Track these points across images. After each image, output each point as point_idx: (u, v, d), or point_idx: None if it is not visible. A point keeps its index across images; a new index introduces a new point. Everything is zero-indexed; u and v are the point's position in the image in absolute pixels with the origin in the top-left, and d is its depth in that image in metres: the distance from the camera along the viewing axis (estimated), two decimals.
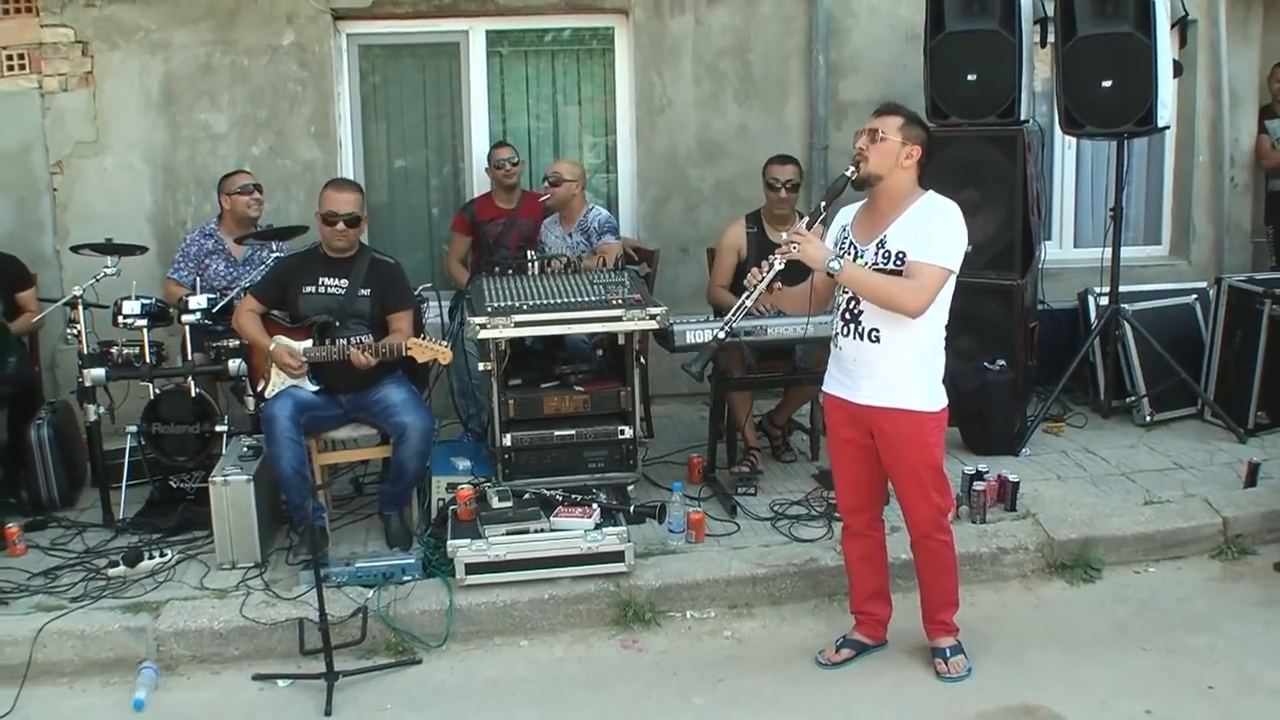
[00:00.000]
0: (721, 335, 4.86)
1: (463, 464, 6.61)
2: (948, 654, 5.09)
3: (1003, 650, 5.27)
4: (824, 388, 5.06)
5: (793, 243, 4.64)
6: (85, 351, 6.54)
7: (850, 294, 4.78)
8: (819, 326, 5.41)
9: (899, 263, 4.64)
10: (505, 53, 8.78)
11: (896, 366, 4.73)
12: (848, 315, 4.81)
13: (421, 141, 8.87)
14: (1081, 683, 4.98)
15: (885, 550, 5.28)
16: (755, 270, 4.77)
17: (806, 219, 4.75)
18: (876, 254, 4.69)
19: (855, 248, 4.76)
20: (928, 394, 4.78)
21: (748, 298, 4.77)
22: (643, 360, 6.70)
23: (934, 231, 4.63)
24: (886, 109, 4.80)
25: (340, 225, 6.11)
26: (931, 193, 4.77)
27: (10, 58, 8.03)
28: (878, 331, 4.71)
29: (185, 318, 6.57)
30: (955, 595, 5.15)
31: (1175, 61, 7.30)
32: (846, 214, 4.94)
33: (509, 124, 8.81)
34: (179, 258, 7.32)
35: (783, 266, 4.71)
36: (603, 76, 8.86)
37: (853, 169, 4.67)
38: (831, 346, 4.98)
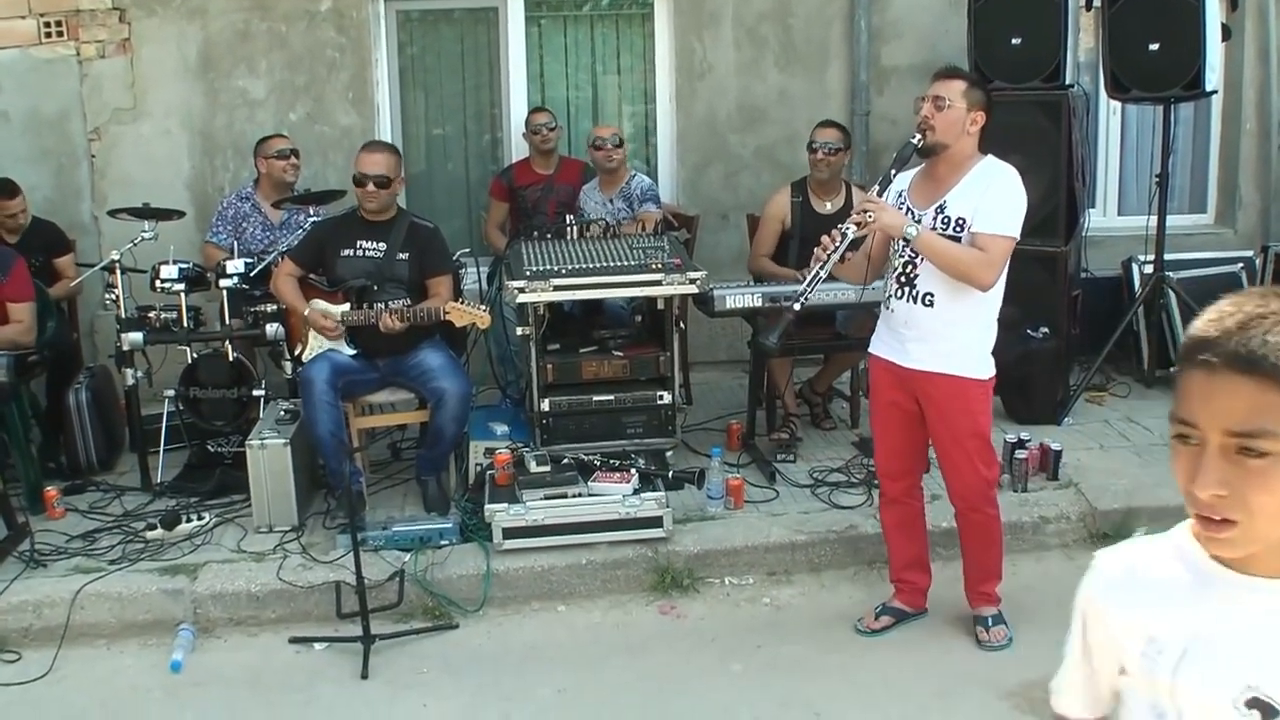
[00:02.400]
0: (797, 306, 4.77)
1: (500, 429, 6.59)
2: (989, 623, 5.05)
3: (1045, 620, 5.17)
4: (871, 349, 5.00)
5: (866, 210, 4.58)
6: (123, 316, 6.56)
7: (906, 258, 4.72)
8: (864, 293, 5.35)
9: (958, 229, 4.58)
10: (544, 20, 8.72)
11: (947, 331, 4.67)
12: (903, 278, 4.75)
13: (460, 109, 8.83)
14: None
15: (924, 519, 5.23)
16: (826, 239, 4.68)
17: (877, 185, 4.69)
18: (935, 219, 4.64)
19: (913, 213, 4.70)
20: (977, 361, 4.72)
21: (821, 268, 4.68)
22: (682, 325, 6.65)
23: (998, 199, 4.57)
24: (948, 73, 4.71)
25: (370, 186, 6.07)
26: (990, 157, 4.70)
27: (48, 24, 8.01)
28: (932, 296, 4.65)
29: (223, 282, 6.57)
30: (999, 567, 5.10)
31: (1223, 25, 7.17)
32: (903, 179, 4.85)
33: (548, 92, 8.76)
34: (216, 221, 7.32)
35: (854, 235, 4.64)
36: (642, 43, 8.78)
37: (919, 136, 4.60)
38: (882, 308, 4.92)
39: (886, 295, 4.89)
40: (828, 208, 6.89)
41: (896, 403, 4.90)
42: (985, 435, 4.85)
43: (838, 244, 4.65)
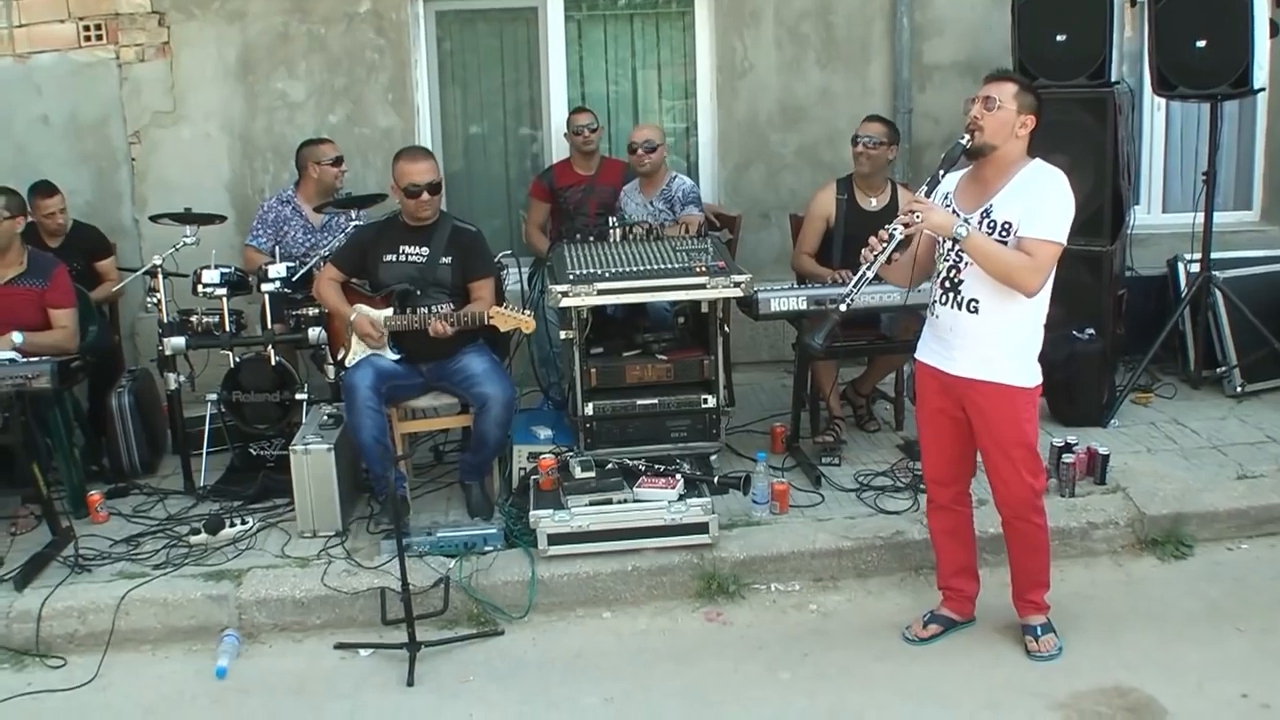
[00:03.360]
0: (844, 308, 4.71)
1: (544, 433, 6.57)
2: (1038, 632, 4.99)
3: (1094, 629, 5.17)
4: (917, 355, 4.96)
5: (914, 211, 4.53)
6: (165, 320, 6.59)
7: (951, 262, 4.67)
8: (909, 295, 5.30)
9: (1004, 233, 4.53)
10: (582, 17, 8.69)
11: (993, 338, 4.63)
12: (947, 284, 4.71)
13: (499, 108, 8.81)
14: (1175, 664, 4.87)
15: (972, 526, 5.18)
16: (874, 240, 4.63)
17: (924, 186, 4.65)
18: (982, 223, 4.58)
19: (959, 215, 4.64)
20: (1023, 369, 4.68)
21: (869, 269, 4.63)
22: (726, 328, 6.61)
23: (1046, 204, 4.52)
24: (1000, 75, 4.67)
25: (425, 195, 6.08)
26: (1039, 161, 4.65)
27: (88, 28, 8.06)
28: (977, 302, 4.61)
29: (265, 286, 6.59)
30: (1046, 575, 5.05)
31: (1271, 21, 7.08)
32: (950, 181, 4.80)
33: (587, 89, 8.74)
34: (257, 225, 7.33)
35: (903, 236, 4.59)
36: (681, 40, 8.75)
37: (967, 137, 4.55)
38: (928, 314, 4.88)
39: (932, 301, 4.85)
40: (873, 204, 6.85)
41: (944, 410, 4.86)
42: (1032, 444, 4.79)
43: (885, 245, 4.60)
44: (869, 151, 6.81)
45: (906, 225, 4.55)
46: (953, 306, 4.70)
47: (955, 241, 4.56)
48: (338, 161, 7.35)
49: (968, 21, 8.46)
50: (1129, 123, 7.44)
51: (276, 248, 7.07)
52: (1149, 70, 7.27)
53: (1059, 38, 7.12)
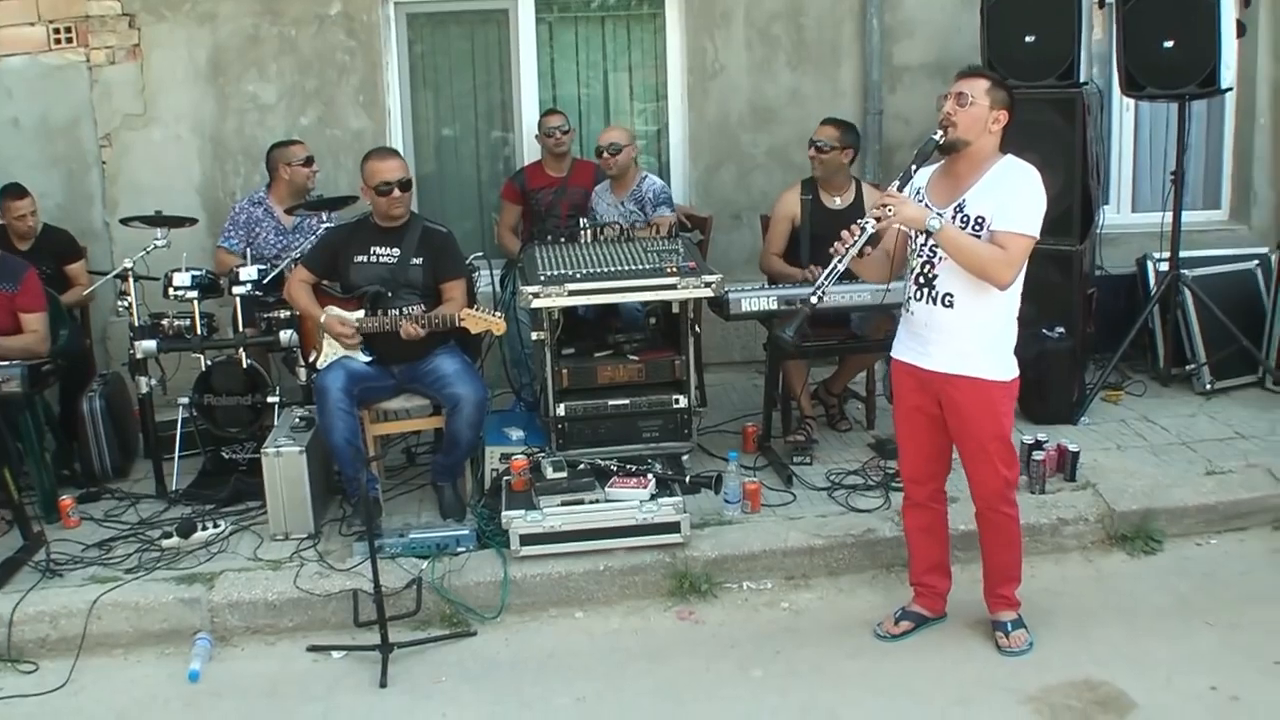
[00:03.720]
0: (815, 300, 4.72)
1: (516, 434, 6.57)
2: (1009, 628, 5.02)
3: (1064, 624, 5.20)
4: (893, 353, 4.98)
5: (886, 205, 4.55)
6: (136, 323, 6.55)
7: (925, 258, 4.70)
8: (878, 294, 5.33)
9: (977, 228, 4.56)
10: (554, 19, 8.69)
11: (969, 333, 4.66)
12: (922, 279, 4.74)
13: (470, 110, 8.80)
14: (1145, 658, 4.90)
15: (946, 523, 5.21)
16: (846, 234, 4.64)
17: (897, 181, 4.67)
18: (955, 218, 4.61)
19: (932, 210, 4.66)
20: (998, 363, 4.71)
21: (839, 261, 4.64)
22: (697, 328, 6.62)
23: (1018, 199, 4.55)
24: (972, 71, 4.70)
25: (396, 193, 6.10)
26: (1010, 156, 4.68)
27: (58, 31, 8.02)
28: (952, 297, 4.64)
29: (236, 289, 6.57)
30: (1018, 570, 5.08)
31: (1238, 21, 7.13)
32: (922, 176, 4.82)
33: (558, 91, 8.73)
34: (229, 226, 7.31)
35: (874, 230, 4.61)
36: (652, 42, 8.76)
37: (940, 133, 4.58)
38: (903, 311, 4.90)
39: (906, 298, 4.87)
40: (837, 203, 6.89)
41: (920, 407, 4.89)
42: (1006, 437, 4.83)
43: (857, 238, 4.62)
44: (820, 156, 6.86)
45: (879, 219, 4.58)
46: (928, 302, 4.72)
47: (928, 235, 4.59)
48: (309, 162, 7.33)
49: (937, 23, 8.49)
50: (1098, 123, 7.49)
51: (248, 250, 7.04)
52: (1117, 70, 7.32)
53: (1028, 39, 7.15)
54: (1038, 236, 4.59)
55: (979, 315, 4.65)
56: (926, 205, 4.70)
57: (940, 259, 4.65)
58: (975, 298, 4.61)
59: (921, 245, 4.73)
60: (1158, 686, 4.70)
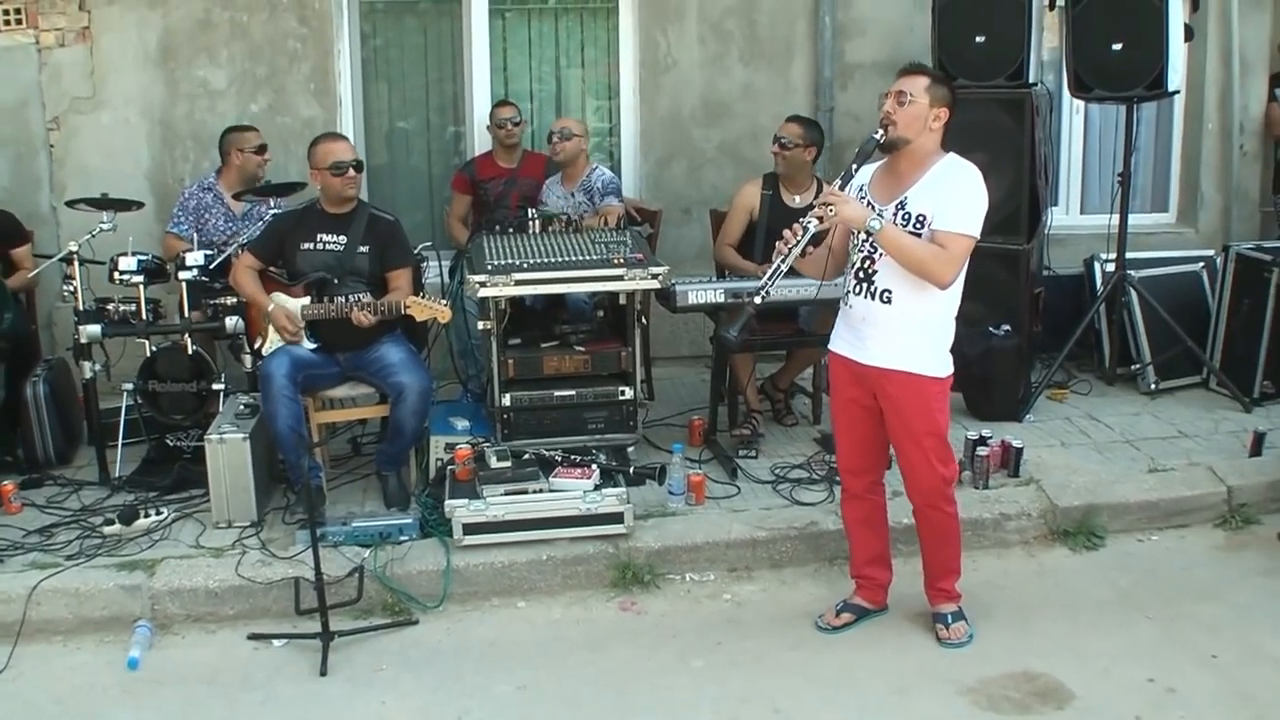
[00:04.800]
0: (758, 300, 4.74)
1: (461, 424, 6.55)
2: (949, 620, 5.05)
3: (1005, 617, 5.24)
4: (830, 346, 5.00)
5: (828, 204, 4.57)
6: (81, 308, 6.48)
7: (865, 253, 4.71)
8: (825, 289, 5.35)
9: (918, 226, 4.58)
10: (508, 12, 8.69)
11: (905, 328, 4.67)
12: (861, 274, 4.75)
13: (422, 102, 8.80)
14: (1084, 650, 4.94)
15: (885, 515, 5.23)
16: (788, 233, 4.67)
17: (839, 180, 4.69)
18: (896, 215, 4.62)
19: (874, 208, 4.68)
20: (934, 359, 4.73)
21: (783, 262, 4.66)
22: (644, 321, 6.63)
23: (959, 198, 4.57)
24: (912, 69, 4.72)
25: (350, 172, 6.09)
26: (953, 155, 4.69)
27: (7, 12, 7.92)
28: (890, 293, 4.66)
29: (182, 274, 6.51)
30: (957, 563, 5.11)
31: (1186, 26, 7.20)
32: (865, 174, 4.85)
33: (511, 85, 8.73)
34: (178, 211, 7.25)
35: (816, 229, 4.63)
36: (606, 38, 8.77)
37: (880, 132, 4.60)
38: (841, 305, 4.92)
39: (845, 292, 4.89)
40: (797, 201, 6.90)
41: (856, 399, 4.90)
42: (942, 433, 4.85)
43: (799, 238, 4.64)
44: (784, 153, 6.88)
45: (820, 219, 4.60)
46: (866, 297, 4.73)
47: (869, 234, 4.60)
48: (261, 150, 7.28)
49: (889, 22, 8.55)
50: (1047, 124, 7.54)
51: (196, 235, 7.00)
52: (1066, 72, 7.38)
53: (978, 39, 7.20)
54: (978, 236, 4.60)
55: (917, 312, 4.66)
56: (869, 203, 4.72)
57: (880, 255, 4.66)
58: (913, 294, 4.63)
59: (863, 241, 4.74)
60: (1096, 678, 4.74)
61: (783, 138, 6.88)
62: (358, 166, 6.14)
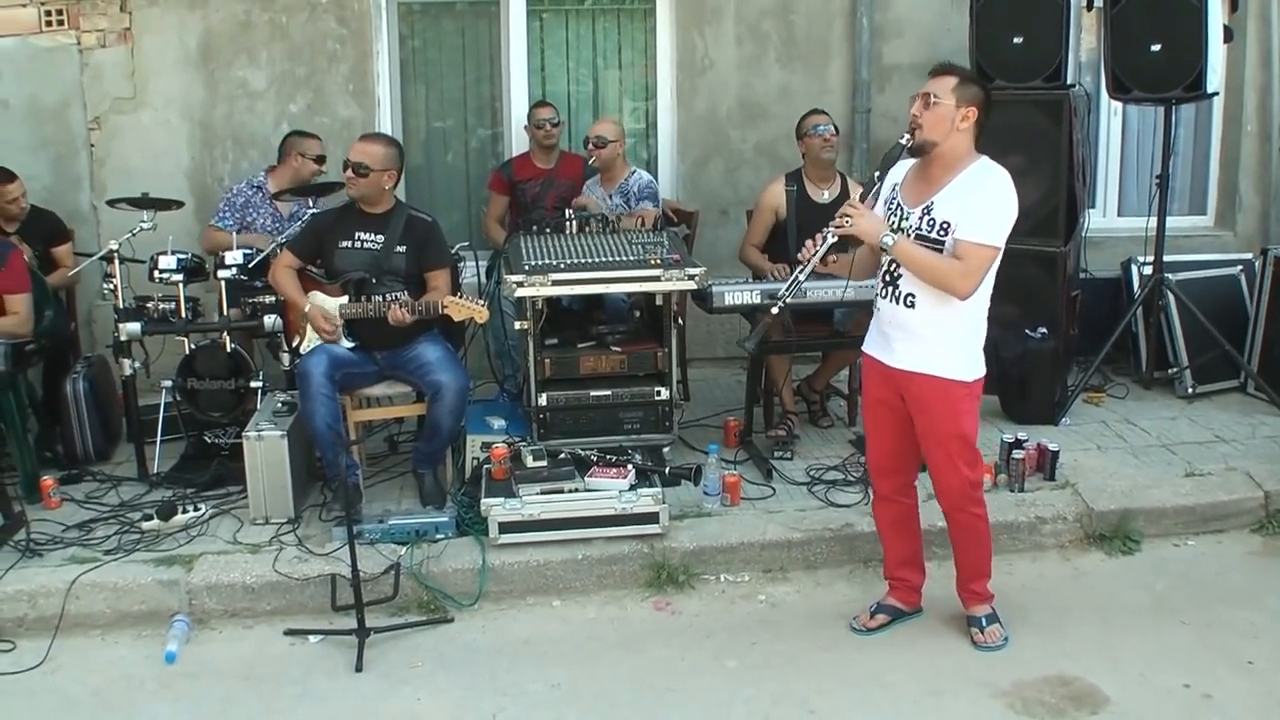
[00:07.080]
0: (775, 310, 4.76)
1: (498, 423, 6.58)
2: (984, 623, 5.04)
3: (1040, 620, 5.22)
4: (864, 347, 5.00)
5: (846, 216, 4.57)
6: (121, 306, 6.53)
7: (890, 257, 4.69)
8: (860, 290, 5.35)
9: (942, 232, 4.56)
10: (545, 14, 8.71)
11: (930, 332, 4.66)
12: (887, 277, 4.76)
13: (460, 103, 8.82)
14: (1119, 655, 4.92)
15: (917, 517, 5.22)
16: (810, 243, 4.70)
17: (861, 190, 4.69)
18: (921, 219, 4.62)
19: (903, 209, 4.68)
20: (961, 363, 4.70)
21: (801, 272, 4.69)
22: (680, 321, 6.64)
23: (983, 206, 4.52)
24: (941, 69, 4.67)
25: (348, 172, 6.10)
26: (984, 159, 4.64)
27: (49, 13, 7.99)
28: (913, 297, 4.65)
29: (221, 273, 6.57)
30: (988, 566, 5.09)
31: (1225, 27, 7.16)
32: (899, 170, 4.83)
33: (549, 86, 8.75)
34: (223, 207, 7.33)
35: (835, 240, 4.64)
36: (643, 39, 8.78)
37: (908, 136, 4.58)
38: (874, 307, 4.92)
39: (875, 295, 4.90)
40: (824, 196, 6.92)
41: (885, 401, 4.91)
42: (968, 437, 4.82)
43: (819, 247, 4.66)
44: (831, 140, 6.93)
45: (839, 229, 4.61)
46: (891, 300, 4.74)
47: (884, 249, 4.60)
48: (320, 160, 7.38)
49: (927, 23, 8.52)
50: (1084, 126, 7.51)
51: (239, 233, 7.04)
52: (1105, 73, 7.34)
53: (1016, 40, 7.18)
54: (1000, 246, 4.56)
55: (940, 316, 4.64)
56: (900, 204, 4.72)
57: None
58: (937, 299, 4.61)
59: None
60: (1131, 683, 4.72)
61: (826, 128, 6.96)
62: (359, 170, 6.07)
